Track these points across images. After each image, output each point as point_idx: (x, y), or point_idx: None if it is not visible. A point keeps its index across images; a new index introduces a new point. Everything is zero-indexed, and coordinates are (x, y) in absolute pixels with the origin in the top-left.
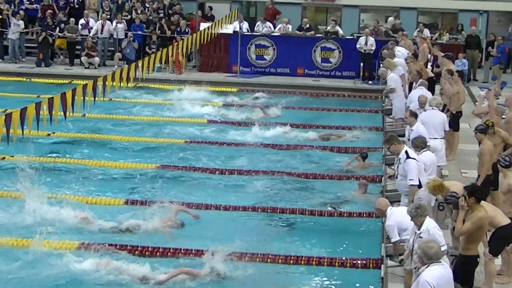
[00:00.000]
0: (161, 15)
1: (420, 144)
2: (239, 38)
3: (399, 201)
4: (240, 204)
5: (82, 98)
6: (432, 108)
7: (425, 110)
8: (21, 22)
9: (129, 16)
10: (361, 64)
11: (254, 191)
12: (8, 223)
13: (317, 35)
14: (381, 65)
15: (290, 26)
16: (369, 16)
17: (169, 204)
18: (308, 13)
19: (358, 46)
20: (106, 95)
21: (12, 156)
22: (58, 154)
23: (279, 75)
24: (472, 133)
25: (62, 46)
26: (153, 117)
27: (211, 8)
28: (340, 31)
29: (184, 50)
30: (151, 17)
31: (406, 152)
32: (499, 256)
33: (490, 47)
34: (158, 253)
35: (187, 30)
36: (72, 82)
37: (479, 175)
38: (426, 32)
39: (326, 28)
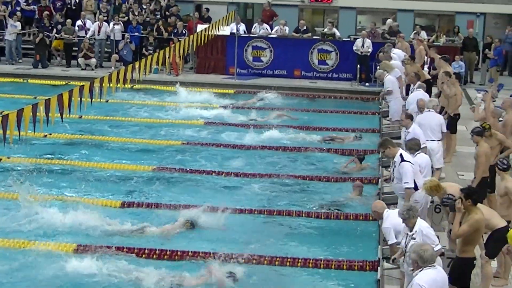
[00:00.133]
0: (158, 16)
1: (414, 146)
2: (236, 40)
3: (396, 203)
4: (237, 206)
5: (79, 99)
6: (429, 110)
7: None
8: (18, 23)
9: (126, 18)
10: (358, 66)
11: (251, 193)
12: (4, 224)
13: (314, 37)
14: (377, 67)
15: (287, 28)
16: (366, 18)
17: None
18: (305, 15)
19: (355, 48)
20: (103, 97)
21: (9, 158)
22: (54, 156)
23: (276, 77)
24: (469, 135)
25: (59, 47)
26: (150, 119)
27: (207, 9)
28: (337, 33)
29: (181, 51)
30: (148, 19)
31: (401, 155)
32: (495, 258)
33: (487, 49)
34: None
35: (184, 32)
36: (69, 83)
37: (475, 177)
38: (423, 34)
39: (323, 30)
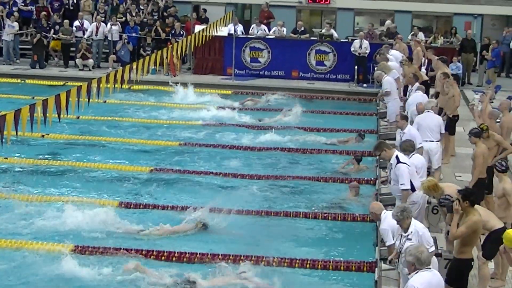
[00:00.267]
0: (156, 17)
1: (408, 147)
2: (233, 41)
3: (394, 205)
4: (234, 207)
5: (77, 100)
6: (428, 111)
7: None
8: (16, 24)
9: (124, 18)
10: (356, 67)
11: (248, 194)
12: (1, 225)
13: (312, 38)
14: (375, 68)
15: (284, 29)
16: (364, 19)
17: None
18: (303, 16)
19: (352, 49)
20: (100, 97)
21: (6, 158)
22: (52, 156)
23: (273, 78)
24: (467, 136)
25: (57, 48)
26: (148, 119)
27: (205, 10)
28: (335, 34)
29: (179, 52)
30: (145, 19)
31: (397, 157)
32: (492, 259)
33: (484, 51)
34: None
35: (181, 33)
36: (66, 84)
37: (472, 178)
38: (421, 35)
39: (320, 31)
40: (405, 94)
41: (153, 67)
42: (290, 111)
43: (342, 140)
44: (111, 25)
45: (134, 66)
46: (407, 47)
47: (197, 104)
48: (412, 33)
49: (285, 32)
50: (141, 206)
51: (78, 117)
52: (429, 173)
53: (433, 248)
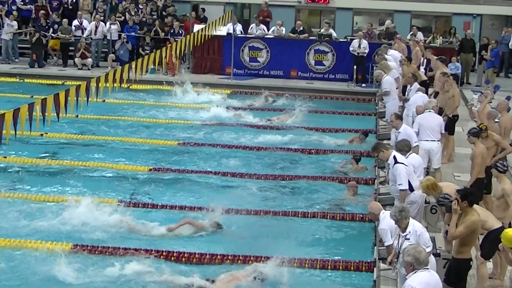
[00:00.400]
0: (155, 16)
1: (403, 147)
2: (232, 40)
3: (393, 204)
4: (233, 206)
5: (75, 99)
6: (429, 111)
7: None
8: (15, 23)
9: (123, 18)
10: (355, 67)
11: (247, 194)
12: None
13: (311, 37)
14: (374, 68)
15: (283, 29)
16: (363, 19)
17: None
18: (302, 16)
19: (351, 49)
20: (99, 97)
21: (5, 157)
22: (51, 155)
23: (272, 77)
24: (466, 136)
25: (56, 47)
26: (147, 119)
27: (203, 10)
28: (334, 34)
29: (178, 51)
30: (144, 19)
31: (394, 157)
32: (491, 259)
33: (483, 51)
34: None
35: (180, 32)
36: (65, 83)
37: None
38: (420, 35)
39: (319, 31)
40: (403, 94)
41: (152, 67)
42: (293, 111)
43: (348, 140)
44: (110, 24)
45: (133, 66)
46: (406, 47)
47: (196, 104)
48: (411, 33)
49: (284, 32)
50: (139, 205)
51: (77, 116)
52: (427, 173)
53: (431, 248)
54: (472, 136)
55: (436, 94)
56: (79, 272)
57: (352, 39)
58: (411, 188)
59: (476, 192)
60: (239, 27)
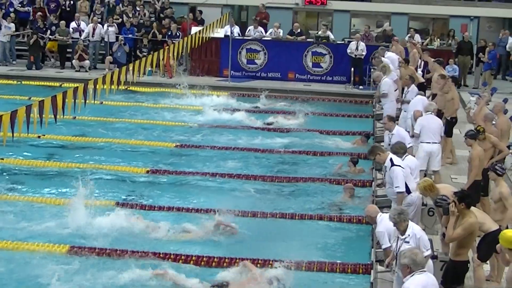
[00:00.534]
0: (153, 18)
1: (398, 150)
2: (230, 42)
3: (390, 207)
4: (230, 207)
5: (73, 101)
6: (430, 113)
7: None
8: (12, 25)
9: (120, 20)
10: (352, 69)
11: (243, 195)
12: None
13: (308, 39)
14: (371, 70)
15: (281, 31)
16: (360, 21)
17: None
18: (299, 18)
19: (349, 51)
20: (97, 98)
21: (2, 159)
22: (48, 157)
23: (270, 80)
24: (463, 139)
25: (53, 49)
26: (144, 120)
27: (201, 12)
28: (331, 36)
29: (175, 53)
30: (142, 21)
31: (391, 159)
32: (488, 261)
33: (481, 53)
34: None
35: (178, 34)
36: (62, 85)
37: (468, 180)
38: (417, 37)
39: (317, 33)
40: (401, 96)
41: (150, 69)
42: (292, 114)
43: (352, 143)
44: (108, 26)
45: (131, 68)
46: (404, 49)
47: (193, 106)
48: (409, 35)
49: (281, 34)
50: (137, 207)
51: (75, 118)
52: (425, 175)
53: (429, 252)
54: (469, 138)
55: (433, 96)
56: (76, 275)
57: (349, 41)
58: (408, 191)
59: (473, 194)
60: (236, 29)
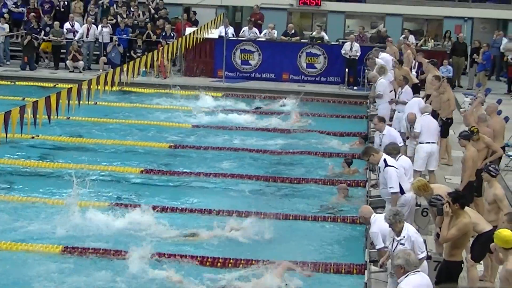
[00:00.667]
0: (147, 19)
1: (392, 150)
2: (224, 43)
3: (383, 207)
4: (224, 208)
5: (67, 101)
6: (427, 114)
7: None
8: (6, 26)
9: (114, 20)
10: (346, 69)
11: (238, 196)
12: None
13: (302, 40)
14: (366, 71)
15: (275, 32)
16: (355, 22)
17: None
18: (294, 19)
19: (343, 52)
20: (91, 99)
21: None
22: (42, 157)
23: (264, 80)
24: (457, 139)
25: (47, 49)
26: (138, 121)
27: (195, 13)
28: (326, 37)
29: (169, 54)
30: (136, 22)
31: (385, 160)
32: (482, 261)
33: (475, 54)
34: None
35: (172, 35)
36: (56, 85)
37: (462, 181)
38: (411, 38)
39: (311, 34)
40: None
41: (144, 69)
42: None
43: (351, 145)
44: (102, 27)
45: (125, 68)
46: (398, 50)
47: (187, 106)
48: (403, 36)
49: (275, 35)
50: (131, 207)
51: (69, 118)
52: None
53: (424, 254)
54: (463, 139)
55: (427, 97)
56: (70, 275)
57: (344, 42)
58: (402, 191)
59: (467, 194)
60: (231, 30)
